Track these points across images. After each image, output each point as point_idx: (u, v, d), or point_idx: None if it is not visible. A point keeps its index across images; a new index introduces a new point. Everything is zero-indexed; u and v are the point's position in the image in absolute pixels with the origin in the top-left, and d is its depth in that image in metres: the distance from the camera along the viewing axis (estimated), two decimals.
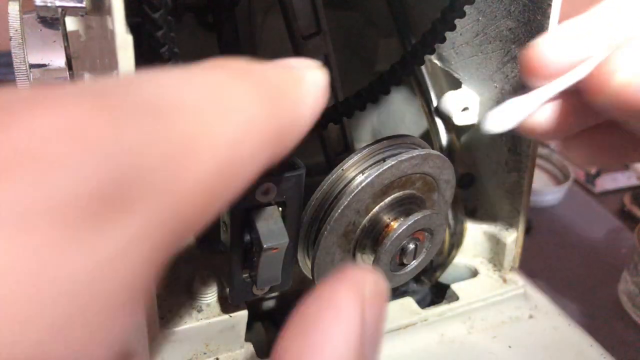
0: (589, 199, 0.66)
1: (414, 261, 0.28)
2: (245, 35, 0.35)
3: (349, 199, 0.25)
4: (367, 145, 0.26)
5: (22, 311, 0.10)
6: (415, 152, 0.27)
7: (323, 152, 0.35)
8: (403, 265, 0.28)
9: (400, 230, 0.26)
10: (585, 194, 0.67)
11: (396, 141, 0.27)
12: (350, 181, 0.26)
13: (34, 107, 0.11)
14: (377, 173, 0.26)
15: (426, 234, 0.28)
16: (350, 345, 0.17)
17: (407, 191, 0.28)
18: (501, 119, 0.22)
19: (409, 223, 0.26)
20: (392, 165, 0.26)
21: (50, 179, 0.10)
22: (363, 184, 0.25)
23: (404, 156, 0.26)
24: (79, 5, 0.29)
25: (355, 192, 0.25)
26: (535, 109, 0.22)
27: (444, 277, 0.38)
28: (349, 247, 0.27)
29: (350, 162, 0.26)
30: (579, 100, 0.22)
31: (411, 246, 0.27)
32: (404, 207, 0.27)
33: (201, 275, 0.31)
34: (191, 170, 0.13)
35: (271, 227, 0.24)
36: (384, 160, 0.26)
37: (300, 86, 0.17)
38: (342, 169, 0.26)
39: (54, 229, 0.10)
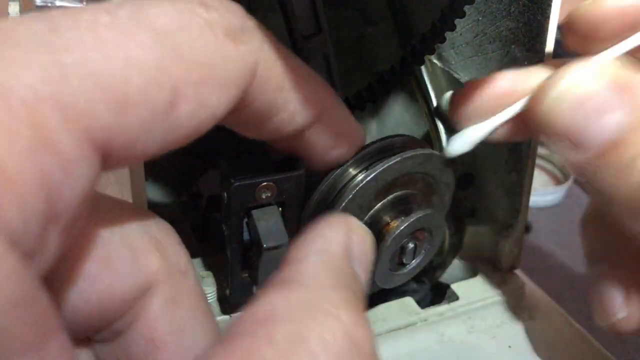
0: (589, 199, 0.66)
1: (413, 261, 0.28)
2: None
3: (353, 192, 0.25)
4: (371, 143, 0.26)
5: None
6: (420, 151, 0.27)
7: None
8: (402, 264, 0.28)
9: (403, 227, 0.26)
10: (585, 194, 0.67)
11: (400, 140, 0.27)
12: (354, 176, 0.26)
13: None
14: (382, 168, 0.26)
15: (426, 234, 0.28)
16: (338, 245, 0.21)
17: (408, 190, 0.28)
18: (460, 144, 0.27)
19: (411, 221, 0.26)
20: (397, 162, 0.26)
21: None
22: (368, 178, 0.25)
23: (409, 153, 0.26)
24: (78, 5, 0.29)
25: (360, 186, 0.25)
26: (487, 135, 0.26)
27: (444, 277, 0.38)
28: None
29: (355, 158, 0.26)
30: None
31: (411, 245, 0.27)
32: (404, 207, 0.27)
33: (200, 275, 0.31)
34: None
35: (271, 227, 0.24)
36: (387, 158, 0.26)
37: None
38: (347, 164, 0.26)
39: None
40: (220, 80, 0.18)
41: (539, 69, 0.26)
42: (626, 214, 0.23)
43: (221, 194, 0.25)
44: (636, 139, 0.22)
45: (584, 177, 0.24)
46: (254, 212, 0.25)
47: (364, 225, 0.23)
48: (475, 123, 0.26)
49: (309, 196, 0.26)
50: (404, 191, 0.27)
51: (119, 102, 0.15)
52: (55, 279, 0.17)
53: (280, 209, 0.25)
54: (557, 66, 0.26)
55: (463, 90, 0.27)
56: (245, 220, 0.25)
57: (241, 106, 0.19)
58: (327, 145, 0.24)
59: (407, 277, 0.29)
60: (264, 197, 0.24)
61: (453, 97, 0.27)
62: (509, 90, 0.25)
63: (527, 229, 0.36)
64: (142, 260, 0.19)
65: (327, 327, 0.17)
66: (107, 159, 0.16)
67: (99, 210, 0.19)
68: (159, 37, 0.16)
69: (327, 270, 0.20)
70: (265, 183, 0.24)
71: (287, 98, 0.21)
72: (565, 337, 0.34)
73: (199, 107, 0.17)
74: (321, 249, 0.21)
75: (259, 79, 0.19)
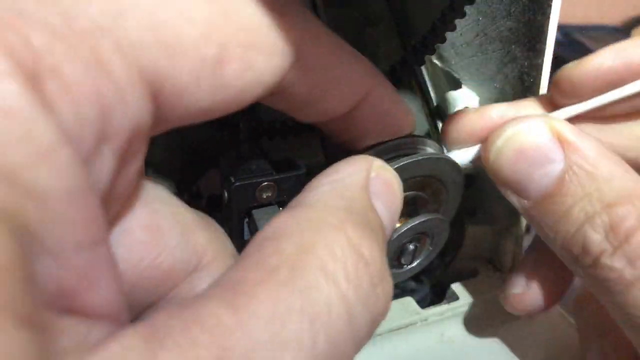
0: None
1: (413, 262, 0.28)
2: None
3: None
4: (389, 140, 0.26)
5: None
6: (438, 155, 0.27)
7: (322, 152, 0.35)
8: (400, 265, 0.28)
9: (405, 228, 0.26)
10: None
11: (418, 140, 0.27)
12: None
13: None
14: (396, 166, 0.25)
15: (428, 238, 0.28)
16: (353, 178, 0.21)
17: (418, 193, 0.27)
18: None
19: (415, 223, 0.26)
20: (414, 161, 0.26)
21: None
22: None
23: (427, 155, 0.26)
24: None
25: None
26: (472, 160, 0.28)
27: (444, 277, 0.38)
28: None
29: (370, 152, 0.26)
30: None
31: (411, 247, 0.27)
32: (411, 208, 0.27)
33: None
34: None
35: None
36: (404, 156, 0.26)
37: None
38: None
39: None
40: (266, 45, 0.18)
41: (529, 103, 0.28)
42: (562, 257, 0.25)
43: (222, 193, 0.25)
44: (572, 191, 0.24)
45: (529, 221, 0.26)
46: (255, 212, 0.25)
47: (387, 166, 0.23)
48: (462, 147, 0.28)
49: None
50: (413, 193, 0.27)
51: (170, 47, 0.16)
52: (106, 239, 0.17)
53: (280, 209, 0.25)
54: (546, 102, 0.28)
55: (456, 116, 0.29)
56: (246, 220, 0.25)
57: (291, 82, 0.20)
58: (379, 125, 0.24)
59: (403, 277, 0.29)
60: (264, 197, 0.24)
61: (447, 120, 0.29)
62: (498, 122, 0.27)
63: (527, 229, 0.36)
64: (191, 235, 0.20)
65: (334, 238, 0.17)
66: (159, 106, 0.16)
67: (147, 182, 0.19)
68: (209, 0, 0.17)
69: (338, 196, 0.20)
70: (265, 183, 0.24)
71: (336, 75, 0.22)
72: (565, 337, 0.34)
73: (246, 68, 0.18)
74: (334, 179, 0.21)
75: (307, 53, 0.20)
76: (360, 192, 0.21)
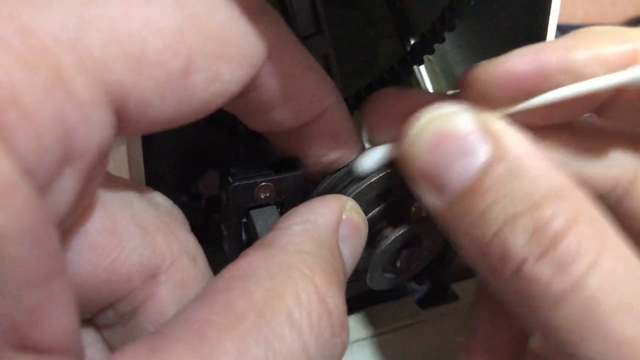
0: None
1: (407, 266, 0.28)
2: None
3: (356, 192, 0.25)
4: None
5: None
6: None
7: None
8: (395, 269, 0.28)
9: (399, 233, 0.26)
10: None
11: None
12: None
13: None
14: (387, 172, 0.25)
15: (423, 241, 0.28)
16: (325, 219, 0.21)
17: (412, 197, 0.27)
18: (371, 162, 0.25)
19: (408, 228, 0.26)
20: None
21: None
22: (372, 179, 0.25)
23: None
24: None
25: (365, 185, 0.25)
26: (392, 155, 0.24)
27: (444, 277, 0.38)
28: None
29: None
30: None
31: (405, 252, 0.27)
32: (404, 213, 0.27)
33: None
34: None
35: (270, 228, 0.24)
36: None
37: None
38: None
39: None
40: (235, 55, 0.18)
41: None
42: (479, 270, 0.21)
43: (220, 194, 0.25)
44: (493, 188, 0.20)
45: (445, 228, 0.22)
46: (252, 213, 0.25)
47: (359, 209, 0.24)
48: (383, 138, 0.25)
49: (307, 197, 0.26)
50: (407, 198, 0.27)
51: (135, 61, 0.15)
52: (64, 243, 0.17)
53: (279, 209, 0.25)
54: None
55: (386, 99, 0.25)
56: (244, 220, 0.25)
57: (251, 88, 0.20)
58: (325, 146, 0.24)
59: (399, 282, 0.29)
60: (262, 197, 0.24)
61: (371, 103, 0.25)
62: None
63: None
64: (150, 239, 0.19)
65: (302, 286, 0.18)
66: (122, 120, 0.16)
67: (107, 185, 0.19)
68: (179, 5, 0.16)
69: (308, 238, 0.20)
70: (264, 183, 0.24)
71: (297, 87, 0.21)
72: None
73: (213, 79, 0.17)
74: (306, 219, 0.21)
75: (272, 62, 0.20)
76: (329, 235, 0.21)
